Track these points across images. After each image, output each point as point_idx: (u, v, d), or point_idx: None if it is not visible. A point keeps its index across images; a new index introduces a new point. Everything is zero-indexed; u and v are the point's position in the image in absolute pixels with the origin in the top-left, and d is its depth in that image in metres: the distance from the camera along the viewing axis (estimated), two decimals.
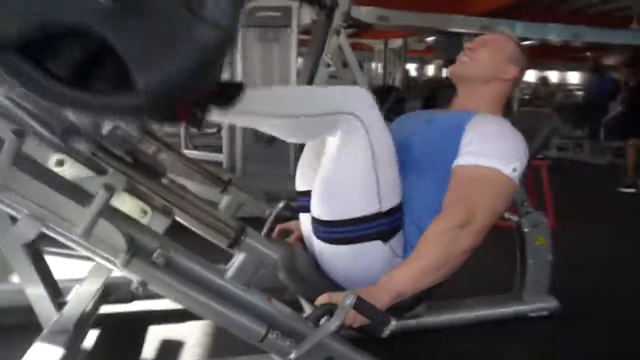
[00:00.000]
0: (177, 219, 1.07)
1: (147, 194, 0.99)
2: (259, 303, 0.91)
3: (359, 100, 1.00)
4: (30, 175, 0.70)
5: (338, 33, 2.40)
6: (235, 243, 0.89)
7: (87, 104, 0.58)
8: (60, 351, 1.02)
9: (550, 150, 5.78)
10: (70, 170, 0.94)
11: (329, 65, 2.45)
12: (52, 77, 0.55)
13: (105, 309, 1.34)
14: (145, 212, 1.04)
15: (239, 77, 3.49)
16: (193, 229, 1.01)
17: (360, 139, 0.97)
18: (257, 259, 0.91)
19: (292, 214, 1.42)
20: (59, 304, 1.17)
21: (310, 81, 2.48)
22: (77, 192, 0.78)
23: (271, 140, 3.52)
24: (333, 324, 0.85)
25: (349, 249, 1.04)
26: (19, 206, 0.72)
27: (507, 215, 1.49)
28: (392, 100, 2.87)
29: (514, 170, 1.01)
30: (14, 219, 0.79)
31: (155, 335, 1.32)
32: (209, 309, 0.84)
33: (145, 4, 0.54)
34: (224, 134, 3.81)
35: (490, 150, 1.03)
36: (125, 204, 1.00)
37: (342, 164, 1.00)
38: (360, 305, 0.84)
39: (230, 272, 0.91)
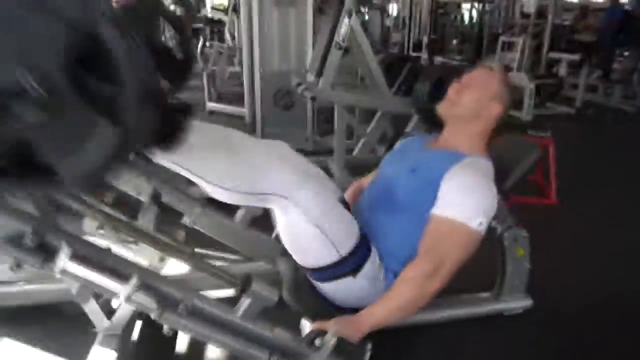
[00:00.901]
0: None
1: (165, 245, 1.21)
2: (264, 333, 1.14)
3: (293, 186, 1.11)
4: (84, 264, 0.92)
5: (350, 15, 2.41)
6: (242, 292, 1.11)
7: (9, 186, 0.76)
8: (113, 353, 1.31)
9: (578, 92, 5.57)
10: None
11: (340, 47, 2.49)
12: None
13: None
14: (162, 259, 1.27)
15: (256, 42, 3.53)
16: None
17: (297, 216, 1.13)
18: (261, 301, 1.14)
19: None
20: (107, 308, 1.44)
21: (323, 61, 2.54)
22: (119, 264, 1.01)
23: (289, 105, 3.64)
24: (322, 356, 1.09)
25: (332, 284, 1.26)
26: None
27: (492, 223, 1.65)
28: (405, 73, 2.90)
29: (480, 224, 1.17)
30: None
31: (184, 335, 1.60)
32: (224, 344, 1.09)
33: (62, 115, 0.66)
34: (245, 95, 3.94)
35: (461, 205, 1.18)
36: (146, 253, 1.23)
37: (292, 233, 1.19)
38: (341, 347, 1.07)
39: (240, 311, 1.14)
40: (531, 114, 4.98)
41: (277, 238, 1.61)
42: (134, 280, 0.94)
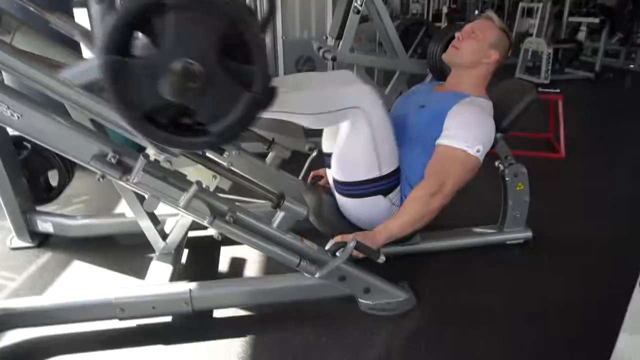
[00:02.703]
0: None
1: (216, 166, 1.44)
2: (295, 242, 1.38)
3: (365, 98, 1.35)
4: (156, 177, 1.16)
5: None
6: (277, 206, 1.34)
7: (180, 143, 0.99)
8: (169, 267, 1.57)
9: (597, 56, 5.55)
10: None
11: (358, 12, 2.64)
12: (160, 128, 0.95)
13: (190, 233, 1.88)
14: (215, 177, 1.51)
15: (278, 11, 3.70)
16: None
17: (363, 125, 1.35)
18: (292, 215, 1.37)
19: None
20: (162, 233, 1.70)
21: (342, 26, 2.71)
22: (179, 179, 1.24)
23: (311, 69, 3.81)
24: (342, 257, 1.32)
25: (359, 201, 1.47)
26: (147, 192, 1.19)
27: (496, 163, 1.83)
28: (421, 36, 3.04)
29: (478, 151, 1.36)
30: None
31: (226, 254, 1.85)
32: (264, 248, 1.32)
33: (216, 88, 0.91)
34: None
35: (462, 135, 1.38)
36: (201, 171, 1.46)
37: (350, 143, 1.39)
38: (359, 247, 1.30)
39: (275, 223, 1.37)
40: (549, 78, 5.04)
41: (303, 179, 1.85)
42: (192, 189, 1.18)
